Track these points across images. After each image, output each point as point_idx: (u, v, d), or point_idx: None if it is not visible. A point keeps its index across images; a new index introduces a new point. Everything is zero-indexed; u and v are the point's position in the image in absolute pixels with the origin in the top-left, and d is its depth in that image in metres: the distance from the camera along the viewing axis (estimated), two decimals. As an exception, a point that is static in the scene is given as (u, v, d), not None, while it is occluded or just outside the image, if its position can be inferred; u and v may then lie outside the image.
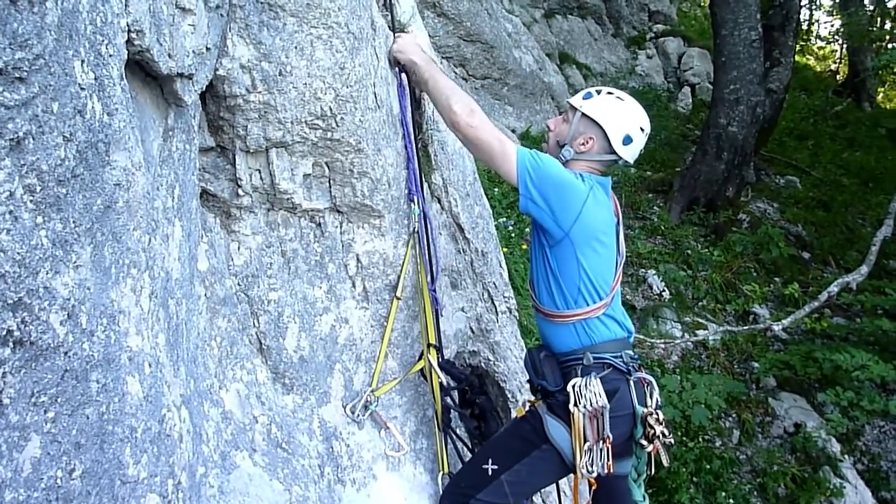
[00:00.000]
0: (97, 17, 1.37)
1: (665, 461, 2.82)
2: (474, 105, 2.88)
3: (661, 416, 2.80)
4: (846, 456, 7.76)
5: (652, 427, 2.75)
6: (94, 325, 1.39)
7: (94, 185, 1.38)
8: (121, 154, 1.47)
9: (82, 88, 1.28)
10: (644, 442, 2.78)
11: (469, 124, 2.84)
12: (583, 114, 3.01)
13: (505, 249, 7.70)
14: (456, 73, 11.23)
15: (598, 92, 3.07)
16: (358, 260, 3.07)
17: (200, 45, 1.98)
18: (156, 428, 1.67)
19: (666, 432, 2.77)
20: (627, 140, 2.99)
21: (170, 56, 1.80)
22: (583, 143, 3.00)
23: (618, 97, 3.04)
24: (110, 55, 1.43)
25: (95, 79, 1.35)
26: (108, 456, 1.45)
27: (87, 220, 1.36)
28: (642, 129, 3.03)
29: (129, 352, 1.54)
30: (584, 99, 3.05)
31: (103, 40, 1.39)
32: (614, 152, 2.99)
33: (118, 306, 1.50)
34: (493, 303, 4.21)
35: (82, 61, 1.28)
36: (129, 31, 1.60)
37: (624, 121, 3.00)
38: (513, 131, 11.47)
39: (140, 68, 1.82)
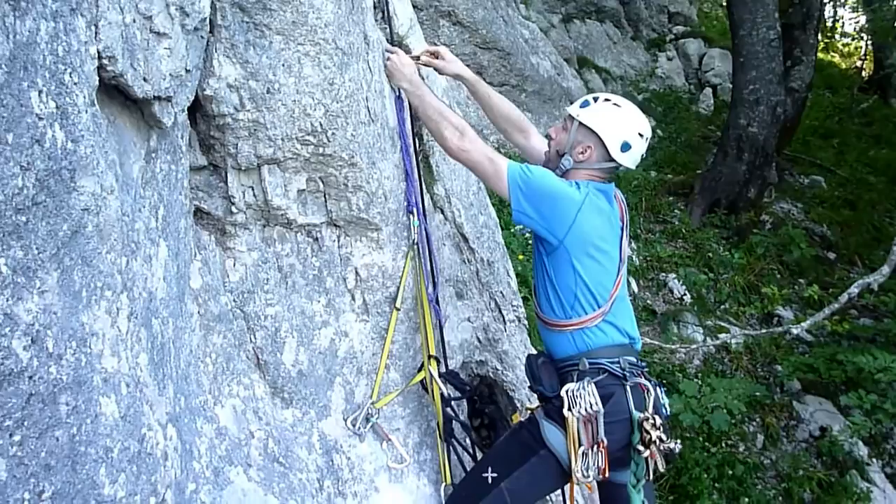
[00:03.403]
0: (59, 47, 1.40)
1: (661, 467, 2.81)
2: (465, 126, 2.95)
3: (659, 422, 2.79)
4: (874, 459, 7.61)
5: (648, 432, 2.74)
6: (63, 348, 1.42)
7: (59, 212, 1.40)
8: (88, 180, 1.49)
9: (40, 118, 1.31)
10: (640, 447, 2.76)
11: (460, 148, 2.93)
12: (580, 123, 3.00)
13: (521, 256, 7.69)
14: (473, 80, 11.23)
15: (596, 99, 3.05)
16: (357, 273, 3.08)
17: (178, 68, 2.01)
18: (135, 447, 1.70)
19: (664, 437, 2.76)
20: (626, 147, 2.98)
21: (145, 80, 1.83)
22: (581, 152, 3.00)
23: (615, 104, 3.03)
24: (75, 83, 1.45)
25: (57, 107, 1.38)
26: (80, 477, 1.47)
27: (52, 245, 1.38)
28: (641, 135, 3.01)
29: (103, 373, 1.57)
30: (581, 107, 3.05)
31: (66, 69, 1.42)
32: (613, 160, 2.98)
33: (90, 329, 1.52)
34: (500, 312, 4.20)
35: (40, 91, 1.31)
36: (100, 57, 1.63)
37: (621, 128, 2.98)
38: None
39: (119, 92, 1.85)
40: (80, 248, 1.49)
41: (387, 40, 3.42)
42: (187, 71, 2.08)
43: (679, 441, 2.84)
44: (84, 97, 1.50)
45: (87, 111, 1.51)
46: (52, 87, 1.36)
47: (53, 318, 1.39)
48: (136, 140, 1.94)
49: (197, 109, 2.47)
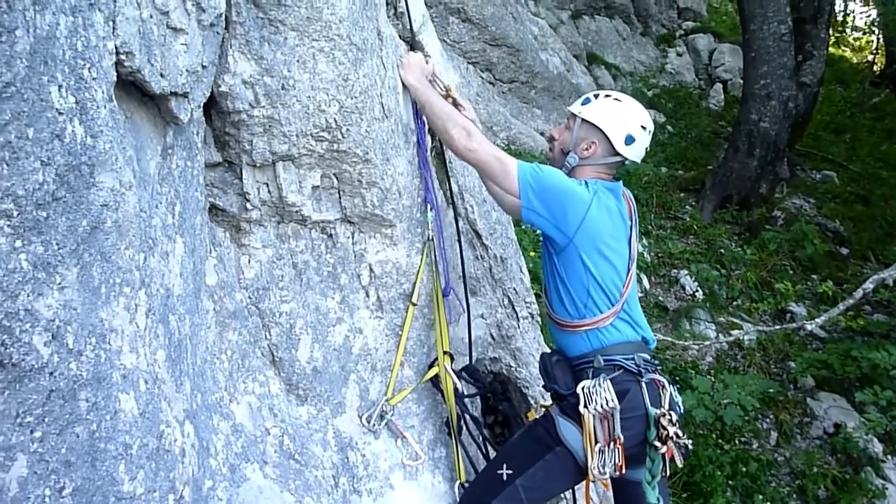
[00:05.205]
0: (77, 42, 1.39)
1: (679, 463, 2.80)
2: (471, 127, 2.97)
3: (675, 418, 2.78)
4: (889, 456, 7.56)
5: (665, 428, 2.73)
6: (83, 344, 1.41)
7: (79, 207, 1.40)
8: (107, 175, 1.49)
9: (60, 113, 1.30)
10: (657, 443, 2.76)
11: (468, 148, 2.93)
12: (582, 119, 3.06)
13: (532, 253, 7.67)
14: (483, 77, 11.23)
15: (596, 96, 3.13)
16: (371, 270, 3.08)
17: (195, 64, 2.00)
18: (153, 444, 1.69)
19: (680, 433, 2.76)
20: (630, 140, 3.03)
21: (162, 76, 1.82)
22: (586, 149, 3.05)
23: (615, 98, 3.10)
24: (93, 78, 1.45)
25: (76, 102, 1.37)
26: (100, 473, 1.47)
27: (72, 241, 1.38)
28: (644, 127, 3.07)
29: (122, 370, 1.56)
30: (582, 105, 3.12)
31: (85, 64, 1.42)
32: (618, 154, 3.01)
33: (109, 325, 1.52)
34: (513, 308, 4.19)
35: (60, 86, 1.31)
36: (117, 52, 1.62)
37: (624, 121, 3.04)
38: (541, 134, 11.42)
39: (136, 88, 1.85)
40: (99, 244, 1.48)
41: (399, 36, 3.41)
42: (203, 67, 2.08)
43: (690, 440, 2.84)
44: (103, 92, 1.50)
45: (105, 106, 1.51)
46: (71, 82, 1.36)
47: (73, 314, 1.38)
48: (152, 136, 1.93)
49: (212, 106, 2.46)
